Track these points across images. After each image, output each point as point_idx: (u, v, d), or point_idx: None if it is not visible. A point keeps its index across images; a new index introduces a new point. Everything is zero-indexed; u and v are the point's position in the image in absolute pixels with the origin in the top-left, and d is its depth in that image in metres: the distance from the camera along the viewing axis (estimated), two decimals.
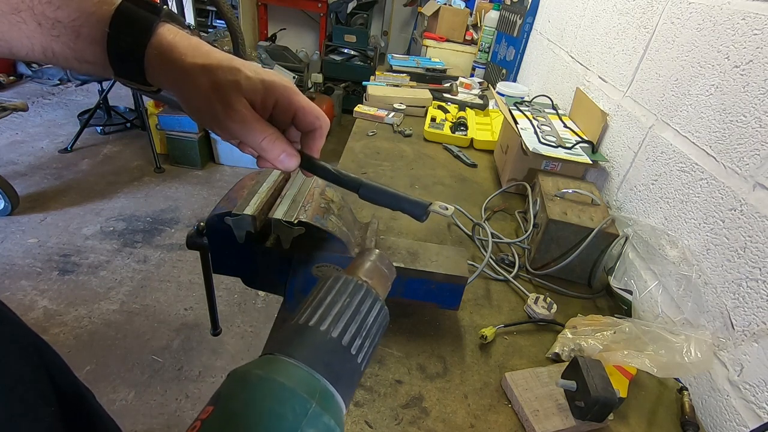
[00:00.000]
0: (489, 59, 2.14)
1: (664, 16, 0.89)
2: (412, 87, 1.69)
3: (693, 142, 0.75)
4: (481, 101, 1.63)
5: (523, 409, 0.55)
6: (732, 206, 0.64)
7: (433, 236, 0.89)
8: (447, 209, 0.44)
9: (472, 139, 1.33)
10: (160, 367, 1.50)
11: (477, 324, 0.70)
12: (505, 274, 0.81)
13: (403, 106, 1.48)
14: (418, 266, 0.61)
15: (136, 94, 2.72)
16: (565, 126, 1.18)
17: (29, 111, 2.82)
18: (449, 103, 1.57)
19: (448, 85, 1.78)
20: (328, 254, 0.58)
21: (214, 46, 0.38)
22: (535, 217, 0.87)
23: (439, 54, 2.36)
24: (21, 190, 2.18)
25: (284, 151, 0.39)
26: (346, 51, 3.58)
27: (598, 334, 0.64)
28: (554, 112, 1.27)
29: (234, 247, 0.57)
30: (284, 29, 3.76)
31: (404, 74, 1.79)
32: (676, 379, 0.67)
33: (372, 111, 1.42)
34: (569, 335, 0.66)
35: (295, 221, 0.54)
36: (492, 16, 2.08)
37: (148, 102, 2.57)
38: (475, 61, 2.26)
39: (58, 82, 3.54)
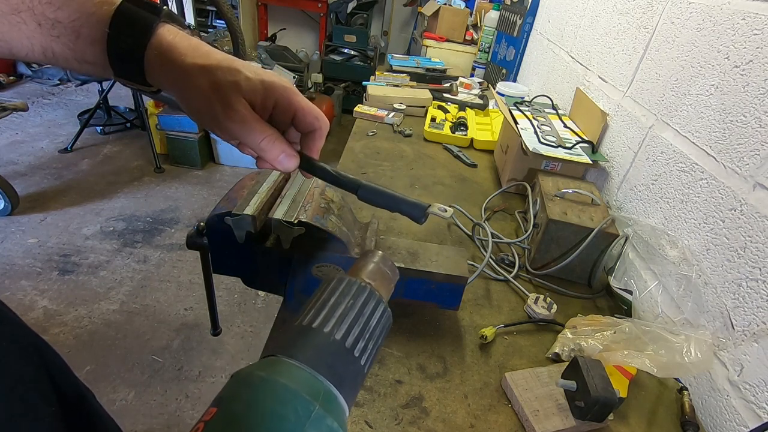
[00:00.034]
0: (489, 59, 2.14)
1: (664, 16, 0.89)
2: (412, 87, 1.69)
3: (693, 142, 0.75)
4: (481, 101, 1.63)
5: (523, 409, 0.55)
6: (732, 206, 0.64)
7: (433, 236, 0.89)
8: (446, 211, 0.44)
9: (472, 139, 1.33)
10: (160, 367, 1.50)
11: (477, 324, 0.70)
12: (505, 274, 0.81)
13: (403, 106, 1.48)
14: (418, 266, 0.61)
15: (136, 94, 2.72)
16: (565, 126, 1.18)
17: (29, 111, 2.82)
18: (449, 103, 1.57)
19: (448, 85, 1.78)
20: (328, 254, 0.58)
21: (214, 47, 0.38)
22: (535, 217, 0.87)
23: (439, 54, 2.36)
24: (21, 190, 2.18)
25: (283, 151, 0.39)
26: (346, 51, 3.58)
27: (598, 334, 0.64)
28: (554, 112, 1.27)
29: (234, 247, 0.57)
30: (284, 29, 3.76)
31: (404, 74, 1.79)
32: (676, 379, 0.67)
33: (372, 111, 1.42)
34: (569, 335, 0.66)
35: (295, 221, 0.54)
36: (492, 16, 2.08)
37: (148, 102, 2.57)
38: (475, 61, 2.26)
39: (58, 82, 3.54)
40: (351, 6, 3.52)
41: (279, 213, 0.55)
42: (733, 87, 0.68)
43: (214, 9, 3.42)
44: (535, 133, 1.08)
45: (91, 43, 0.35)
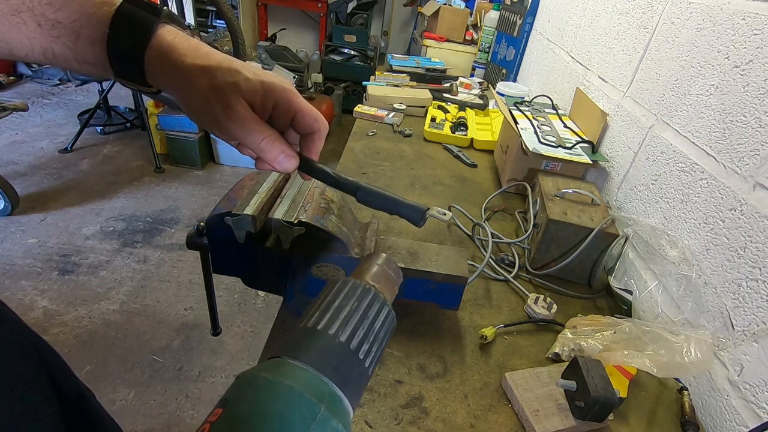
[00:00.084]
0: (489, 59, 2.14)
1: (664, 16, 0.89)
2: (412, 87, 1.69)
3: (693, 142, 0.75)
4: (481, 101, 1.63)
5: (523, 409, 0.55)
6: (732, 206, 0.64)
7: (433, 236, 0.89)
8: (445, 214, 0.44)
9: (472, 139, 1.33)
10: (160, 367, 1.50)
11: (477, 324, 0.70)
12: (505, 274, 0.81)
13: (403, 106, 1.48)
14: (418, 266, 0.61)
15: (136, 94, 2.72)
16: (565, 126, 1.18)
17: (29, 111, 2.82)
18: (449, 103, 1.57)
19: (448, 85, 1.78)
20: (328, 254, 0.58)
21: (214, 47, 0.38)
22: (535, 217, 0.87)
23: (439, 54, 2.36)
24: (21, 190, 2.18)
25: (283, 152, 0.39)
26: (346, 51, 3.58)
27: (598, 334, 0.64)
28: (554, 112, 1.27)
29: (234, 247, 0.57)
30: (284, 29, 3.76)
31: (404, 74, 1.79)
32: (676, 379, 0.67)
33: (372, 111, 1.42)
34: (569, 335, 0.66)
35: (295, 221, 0.54)
36: (492, 16, 2.08)
37: (148, 102, 2.57)
38: (475, 61, 2.26)
39: (58, 82, 3.54)
40: (351, 6, 3.52)
41: (279, 213, 0.55)
42: (733, 87, 0.68)
43: (214, 9, 3.42)
44: (535, 133, 1.08)
45: (91, 43, 0.35)
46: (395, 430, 0.53)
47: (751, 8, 0.67)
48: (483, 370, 0.63)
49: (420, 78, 1.83)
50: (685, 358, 0.57)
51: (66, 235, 2.02)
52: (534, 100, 1.38)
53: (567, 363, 0.60)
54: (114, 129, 2.92)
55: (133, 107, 2.98)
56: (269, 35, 3.64)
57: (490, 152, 1.32)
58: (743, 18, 0.68)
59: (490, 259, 0.82)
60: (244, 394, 0.25)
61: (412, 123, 1.43)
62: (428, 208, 0.44)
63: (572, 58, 1.36)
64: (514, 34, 1.88)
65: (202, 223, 0.58)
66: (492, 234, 0.84)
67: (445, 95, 1.66)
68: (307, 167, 0.42)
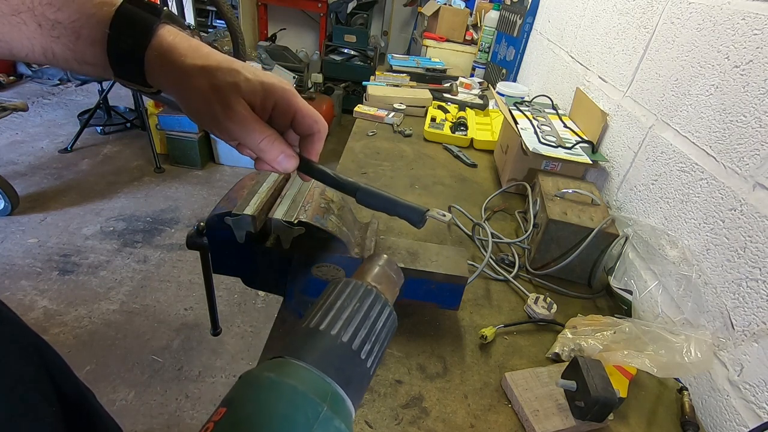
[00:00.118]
0: (489, 59, 2.14)
1: (664, 16, 0.89)
2: (412, 87, 1.69)
3: (693, 142, 0.75)
4: (481, 101, 1.63)
5: (523, 409, 0.55)
6: (732, 206, 0.64)
7: (433, 236, 0.89)
8: (444, 216, 0.44)
9: (472, 139, 1.33)
10: (160, 367, 1.50)
11: (477, 324, 0.70)
12: (505, 274, 0.81)
13: (403, 106, 1.48)
14: (418, 266, 0.61)
15: (136, 94, 2.72)
16: (565, 126, 1.18)
17: (29, 111, 2.83)
18: (449, 103, 1.57)
19: (448, 85, 1.78)
20: (328, 254, 0.58)
21: (214, 47, 0.38)
22: (535, 217, 0.87)
23: (439, 54, 2.36)
24: (21, 190, 2.18)
25: (283, 152, 0.39)
26: (346, 51, 3.58)
27: (598, 334, 0.64)
28: (554, 112, 1.27)
29: (234, 247, 0.57)
30: (284, 29, 3.76)
31: (404, 74, 1.79)
32: (676, 379, 0.67)
33: (372, 111, 1.43)
34: (569, 335, 0.66)
35: (295, 221, 0.54)
36: (492, 16, 2.08)
37: (148, 102, 2.57)
38: (475, 61, 2.26)
39: (58, 82, 3.54)
40: (351, 6, 3.52)
41: (279, 213, 0.55)
42: (733, 87, 0.68)
43: (214, 9, 3.42)
44: (535, 133, 1.08)
45: (91, 43, 0.35)
46: (395, 430, 0.53)
47: (751, 8, 0.67)
48: (483, 370, 0.63)
49: (420, 78, 1.83)
50: (685, 358, 0.57)
51: (66, 235, 2.02)
52: (534, 100, 1.38)
53: (567, 363, 0.60)
54: (114, 129, 2.92)
55: (133, 107, 2.98)
56: (269, 35, 3.64)
57: (490, 152, 1.32)
58: (743, 18, 0.68)
59: (490, 259, 0.82)
60: (247, 394, 0.25)
61: (412, 123, 1.43)
62: (428, 210, 0.44)
63: (572, 58, 1.36)
64: (514, 34, 1.88)
65: (202, 223, 0.58)
66: (492, 234, 0.84)
67: (445, 95, 1.66)
68: (306, 168, 0.42)
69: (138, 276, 1.86)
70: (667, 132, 0.83)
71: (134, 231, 2.11)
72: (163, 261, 1.96)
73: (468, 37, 2.49)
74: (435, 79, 1.86)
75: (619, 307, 0.78)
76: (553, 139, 1.06)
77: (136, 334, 1.60)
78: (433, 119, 1.40)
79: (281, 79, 0.39)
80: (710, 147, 0.71)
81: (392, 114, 1.42)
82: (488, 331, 0.66)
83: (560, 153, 1.00)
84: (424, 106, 1.51)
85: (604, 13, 1.18)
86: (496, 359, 0.65)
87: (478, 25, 2.40)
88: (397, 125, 1.39)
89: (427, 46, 2.43)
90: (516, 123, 1.10)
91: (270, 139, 0.38)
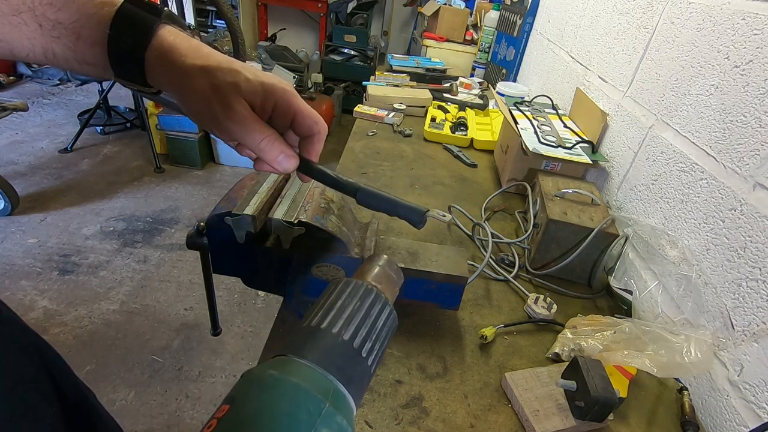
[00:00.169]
0: (489, 59, 2.14)
1: (664, 16, 0.89)
2: (412, 87, 1.69)
3: (693, 142, 0.75)
4: (481, 101, 1.63)
5: (523, 409, 0.55)
6: (732, 206, 0.64)
7: (433, 236, 0.89)
8: (445, 216, 0.44)
9: (472, 139, 1.34)
10: (160, 367, 1.50)
11: (477, 324, 0.70)
12: (505, 274, 0.81)
13: (403, 106, 1.48)
14: (418, 266, 0.61)
15: (136, 94, 2.72)
16: (565, 126, 1.18)
17: (29, 111, 2.82)
18: (449, 103, 1.57)
19: (448, 85, 1.78)
20: (328, 254, 0.58)
21: (214, 47, 0.38)
22: (535, 217, 0.87)
23: (439, 54, 2.36)
24: (21, 190, 2.18)
25: (282, 152, 0.39)
26: (346, 51, 3.58)
27: (598, 334, 0.64)
28: (554, 112, 1.28)
29: (234, 247, 0.57)
30: (284, 29, 3.76)
31: (404, 74, 1.79)
32: (676, 379, 0.67)
33: (372, 111, 1.43)
34: (569, 335, 0.66)
35: (295, 221, 0.54)
36: (492, 16, 2.08)
37: (148, 102, 2.57)
38: (475, 61, 2.26)
39: (58, 82, 3.54)
40: (351, 6, 3.52)
41: (279, 213, 0.55)
42: (733, 87, 0.68)
43: (214, 9, 3.42)
44: (535, 133, 1.08)
45: (91, 44, 0.35)
46: (395, 430, 0.53)
47: (751, 8, 0.67)
48: (483, 370, 0.63)
49: (420, 78, 1.83)
50: (685, 358, 0.57)
51: (66, 235, 2.02)
52: (534, 100, 1.38)
53: (567, 363, 0.60)
54: (114, 129, 2.92)
55: (133, 107, 2.98)
56: (269, 35, 3.64)
57: (490, 152, 1.32)
58: (743, 18, 0.68)
59: (490, 259, 0.82)
60: (250, 391, 0.25)
61: (412, 123, 1.43)
62: (428, 210, 0.44)
63: (572, 58, 1.36)
64: (514, 34, 1.88)
65: (202, 223, 0.58)
66: (492, 234, 0.84)
67: (445, 95, 1.66)
68: (306, 168, 0.42)
69: (138, 276, 1.86)
70: (667, 132, 0.83)
71: (134, 231, 2.11)
72: (163, 261, 1.96)
73: (468, 37, 2.49)
74: (435, 79, 1.86)
75: (619, 307, 0.78)
76: (553, 139, 1.06)
77: (136, 334, 1.60)
78: (433, 119, 1.40)
79: (281, 79, 0.39)
80: (710, 147, 0.71)
81: (392, 114, 1.42)
82: (488, 331, 0.66)
83: (560, 153, 1.00)
84: (424, 106, 1.51)
85: (604, 13, 1.18)
86: (496, 359, 0.65)
87: (478, 25, 2.40)
88: (397, 125, 1.39)
89: (427, 46, 2.43)
90: (516, 123, 1.10)
91: (270, 139, 0.38)
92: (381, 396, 0.57)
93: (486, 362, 0.64)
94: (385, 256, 0.39)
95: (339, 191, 0.44)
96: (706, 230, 0.69)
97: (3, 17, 0.33)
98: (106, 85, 2.73)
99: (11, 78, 3.45)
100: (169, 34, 0.36)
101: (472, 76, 2.14)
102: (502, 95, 1.51)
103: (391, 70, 1.86)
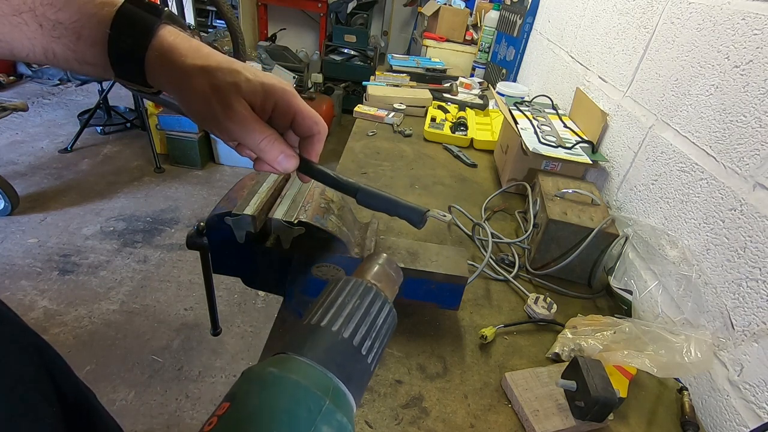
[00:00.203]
0: (489, 59, 2.14)
1: (664, 16, 0.90)
2: (412, 87, 1.69)
3: (693, 142, 0.75)
4: (481, 101, 1.63)
5: (523, 409, 0.55)
6: (732, 206, 0.64)
7: (433, 236, 0.90)
8: (445, 216, 0.44)
9: (472, 139, 1.34)
10: (160, 367, 1.50)
11: (477, 324, 0.70)
12: (505, 274, 0.81)
13: (403, 106, 1.48)
14: (418, 266, 0.61)
15: (136, 94, 2.72)
16: (565, 126, 1.18)
17: (29, 111, 2.82)
18: (449, 103, 1.57)
19: (448, 85, 1.78)
20: (328, 254, 0.58)
21: (214, 47, 0.38)
22: (535, 217, 0.87)
23: (439, 54, 2.36)
24: (21, 190, 2.18)
25: (283, 152, 0.39)
26: (346, 51, 3.58)
27: (598, 334, 0.64)
28: (554, 112, 1.28)
29: (234, 247, 0.57)
30: (284, 29, 3.76)
31: (404, 74, 1.79)
32: (676, 379, 0.67)
33: (372, 111, 1.43)
34: (569, 335, 0.66)
35: (295, 221, 0.54)
36: (492, 16, 2.08)
37: (148, 102, 2.56)
38: (475, 61, 2.26)
39: (58, 82, 3.54)
40: (351, 6, 3.52)
41: (279, 213, 0.55)
42: (733, 87, 0.68)
43: (214, 9, 3.42)
44: (535, 133, 1.08)
45: (92, 44, 0.35)
46: (395, 430, 0.53)
47: (751, 8, 0.67)
48: (483, 370, 0.63)
49: (420, 78, 1.84)
50: (685, 358, 0.57)
51: (66, 235, 2.02)
52: (534, 100, 1.38)
53: (567, 363, 0.60)
54: (114, 129, 2.92)
55: (133, 107, 2.98)
56: (269, 35, 3.64)
57: (490, 152, 1.32)
58: (743, 18, 0.68)
59: (490, 259, 0.82)
60: (250, 389, 0.26)
61: (412, 123, 1.43)
62: (428, 210, 0.44)
63: (572, 58, 1.36)
64: (514, 34, 1.88)
65: (202, 223, 0.58)
66: (492, 234, 0.84)
67: (445, 95, 1.66)
68: (306, 169, 0.42)
69: (138, 276, 1.86)
70: (667, 132, 0.83)
71: (134, 231, 2.11)
72: (163, 261, 1.96)
73: (468, 37, 2.49)
74: (435, 79, 1.86)
75: (619, 307, 0.78)
76: (553, 139, 1.06)
77: (136, 334, 1.60)
78: (433, 119, 1.40)
79: (281, 80, 0.39)
80: (710, 147, 0.71)
81: (392, 114, 1.42)
82: (488, 331, 0.66)
83: (560, 153, 1.00)
84: (424, 106, 1.51)
85: (604, 13, 1.18)
86: (496, 359, 0.65)
87: (478, 25, 2.40)
88: (397, 125, 1.39)
89: (427, 46, 2.43)
90: (516, 123, 1.10)
91: (270, 139, 0.38)
92: (381, 396, 0.57)
93: (486, 362, 0.64)
94: (384, 254, 0.39)
95: (339, 191, 0.44)
96: (706, 230, 0.69)
97: (3, 17, 0.33)
98: (106, 85, 2.73)
99: (11, 78, 3.45)
100: (169, 34, 0.36)
101: (472, 76, 2.14)
102: (502, 95, 1.51)
103: (391, 70, 1.86)
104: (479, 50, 2.22)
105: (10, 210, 2.06)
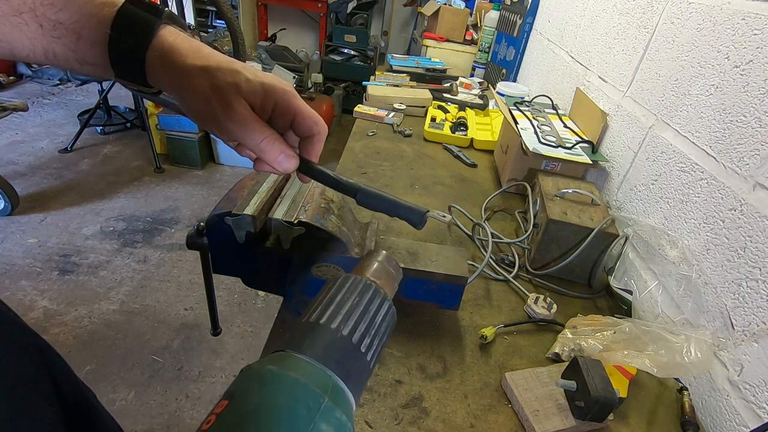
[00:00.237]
0: (489, 59, 2.14)
1: (664, 16, 0.90)
2: (412, 87, 1.69)
3: (693, 142, 0.75)
4: (481, 101, 1.63)
5: (523, 409, 0.55)
6: (732, 206, 0.64)
7: (433, 236, 0.90)
8: (445, 217, 0.44)
9: (472, 139, 1.34)
10: (160, 367, 1.50)
11: (477, 324, 0.70)
12: (505, 274, 0.81)
13: (403, 106, 1.48)
14: (418, 266, 0.61)
15: (136, 94, 2.72)
16: (565, 126, 1.18)
17: (29, 111, 2.82)
18: (449, 103, 1.57)
19: (448, 85, 1.78)
20: (328, 254, 0.58)
21: (214, 47, 0.38)
22: (535, 217, 0.87)
23: (439, 54, 2.36)
24: (21, 190, 2.18)
25: (283, 152, 0.39)
26: (346, 51, 3.58)
27: (598, 334, 0.64)
28: (554, 112, 1.28)
29: (234, 247, 0.57)
30: (284, 29, 3.76)
31: (404, 74, 1.79)
32: (676, 379, 0.67)
33: (372, 111, 1.43)
34: (569, 335, 0.66)
35: (295, 221, 0.54)
36: (492, 16, 2.08)
37: (148, 102, 2.57)
38: (475, 61, 2.26)
39: (58, 82, 3.54)
40: (351, 6, 3.52)
41: (279, 213, 0.55)
42: (733, 87, 0.68)
43: (214, 9, 3.42)
44: (535, 133, 1.08)
45: (92, 44, 0.35)
46: (395, 430, 0.53)
47: (751, 8, 0.67)
48: (483, 370, 0.63)
49: (420, 78, 1.83)
50: (685, 358, 0.57)
51: (66, 235, 2.02)
52: (534, 100, 1.38)
53: (567, 363, 0.60)
54: (114, 129, 2.92)
55: (133, 107, 2.98)
56: (269, 35, 3.64)
57: (490, 152, 1.32)
58: (743, 18, 0.68)
59: (490, 259, 0.82)
60: (249, 387, 0.25)
61: (412, 123, 1.43)
62: (428, 211, 0.44)
63: (572, 58, 1.36)
64: (514, 34, 1.88)
65: (202, 223, 0.58)
66: (492, 234, 0.84)
67: (445, 95, 1.66)
68: (306, 169, 0.42)
69: (138, 276, 1.86)
70: (667, 132, 0.83)
71: (134, 231, 2.11)
72: (163, 261, 1.96)
73: (468, 37, 2.49)
74: (435, 79, 1.86)
75: (619, 307, 0.78)
76: (553, 139, 1.06)
77: (136, 334, 1.60)
78: (433, 119, 1.40)
79: (281, 80, 0.39)
80: (710, 147, 0.71)
81: (392, 114, 1.42)
82: (488, 331, 0.66)
83: (560, 153, 1.00)
84: (424, 106, 1.51)
85: (604, 13, 1.18)
86: (496, 359, 0.65)
87: (478, 25, 2.40)
88: (397, 125, 1.39)
89: (427, 46, 2.43)
90: (516, 123, 1.10)
91: (270, 140, 0.38)
92: (381, 396, 0.57)
93: (486, 362, 0.64)
94: (384, 252, 0.39)
95: (339, 191, 0.44)
96: (706, 230, 0.69)
97: (4, 17, 0.33)
98: (106, 85, 2.73)
99: (11, 78, 3.45)
100: (169, 34, 0.36)
101: (472, 76, 2.14)
102: (502, 95, 1.51)
103: (391, 70, 1.86)
104: (479, 50, 2.22)
105: (10, 210, 2.06)
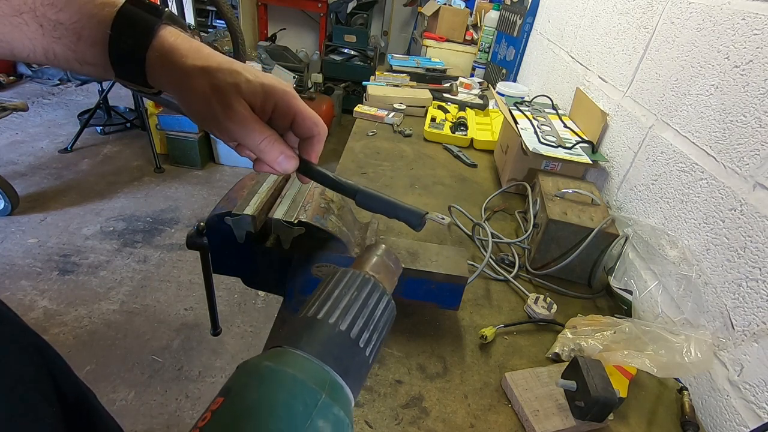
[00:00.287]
0: (489, 59, 2.14)
1: (664, 16, 0.90)
2: (412, 87, 1.69)
3: (693, 142, 0.75)
4: (481, 101, 1.63)
5: (523, 409, 0.55)
6: (732, 206, 0.64)
7: (433, 236, 0.90)
8: (444, 219, 0.44)
9: (472, 139, 1.34)
10: (160, 367, 1.50)
11: (477, 324, 0.70)
12: (505, 274, 0.81)
13: (403, 106, 1.48)
14: (418, 266, 0.61)
15: (136, 94, 2.72)
16: (565, 126, 1.18)
17: (29, 111, 2.82)
18: (449, 103, 1.57)
19: (448, 85, 1.78)
20: (328, 254, 0.58)
21: (214, 47, 0.38)
22: (535, 217, 0.87)
23: (439, 54, 2.36)
24: (21, 190, 2.18)
25: (282, 152, 0.39)
26: (346, 51, 3.58)
27: (598, 334, 0.64)
28: (554, 112, 1.28)
29: (234, 247, 0.57)
30: (284, 29, 3.76)
31: (404, 74, 1.79)
32: (676, 379, 0.67)
33: (372, 111, 1.43)
34: (569, 335, 0.66)
35: (295, 221, 0.54)
36: (492, 16, 2.08)
37: (148, 102, 2.57)
38: (475, 61, 2.26)
39: (58, 82, 3.54)
40: (351, 6, 3.52)
41: (279, 213, 0.55)
42: (733, 87, 0.68)
43: (214, 9, 3.42)
44: (535, 133, 1.08)
45: (92, 44, 0.35)
46: (395, 430, 0.53)
47: (751, 8, 0.67)
48: (483, 370, 0.63)
49: (420, 78, 1.83)
50: (685, 358, 0.57)
51: (66, 235, 2.02)
52: (534, 100, 1.38)
53: (567, 363, 0.60)
54: (114, 129, 2.92)
55: (133, 107, 2.98)
56: (269, 35, 3.64)
57: (490, 152, 1.32)
58: (743, 18, 0.68)
59: (490, 259, 0.82)
60: (246, 383, 0.25)
61: (412, 123, 1.43)
62: (426, 213, 0.44)
63: (572, 58, 1.36)
64: (514, 34, 1.88)
65: (202, 223, 0.58)
66: (492, 234, 0.84)
67: (445, 95, 1.66)
68: (306, 170, 0.42)
69: (138, 276, 1.86)
70: (667, 132, 0.83)
71: (134, 231, 2.11)
72: (163, 261, 1.96)
73: (468, 37, 2.49)
74: (435, 79, 1.86)
75: (619, 307, 0.78)
76: (553, 139, 1.06)
77: (136, 334, 1.60)
78: (433, 119, 1.40)
79: (281, 81, 0.39)
80: (710, 147, 0.71)
81: (392, 114, 1.42)
82: (488, 331, 0.66)
83: (560, 153, 1.00)
84: (424, 106, 1.51)
85: (604, 13, 1.18)
86: (496, 359, 0.65)
87: (478, 25, 2.40)
88: (397, 125, 1.39)
89: (427, 46, 2.43)
90: (516, 123, 1.10)
91: (270, 140, 0.38)
92: (381, 396, 0.57)
93: (486, 362, 0.64)
94: (383, 245, 0.39)
95: (338, 192, 0.44)
96: (706, 230, 0.69)
97: (4, 18, 0.33)
98: (106, 85, 2.73)
99: (11, 78, 3.45)
100: (169, 34, 0.36)
101: (472, 76, 2.14)
102: (502, 95, 1.51)
103: (391, 70, 1.86)
104: (479, 50, 2.22)
105: (10, 210, 2.06)
